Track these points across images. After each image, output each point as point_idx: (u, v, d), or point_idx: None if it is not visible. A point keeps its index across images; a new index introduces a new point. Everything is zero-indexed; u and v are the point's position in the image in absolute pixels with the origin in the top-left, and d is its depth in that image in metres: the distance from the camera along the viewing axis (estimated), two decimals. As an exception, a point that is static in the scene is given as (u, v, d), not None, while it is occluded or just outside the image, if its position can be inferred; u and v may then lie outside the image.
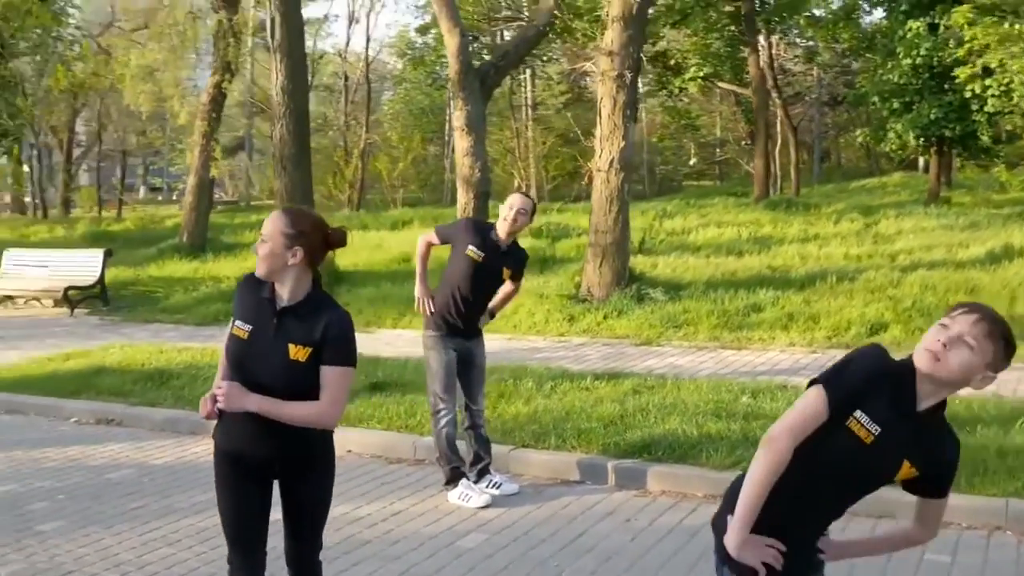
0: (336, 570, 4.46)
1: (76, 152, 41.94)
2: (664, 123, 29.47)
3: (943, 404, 2.40)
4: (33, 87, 28.47)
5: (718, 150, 38.64)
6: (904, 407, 2.33)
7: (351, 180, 24.50)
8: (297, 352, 3.07)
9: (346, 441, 6.61)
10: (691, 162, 36.06)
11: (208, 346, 10.14)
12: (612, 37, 10.80)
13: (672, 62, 23.04)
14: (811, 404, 2.32)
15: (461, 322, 5.39)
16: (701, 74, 22.28)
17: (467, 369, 5.53)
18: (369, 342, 10.39)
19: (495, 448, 5.99)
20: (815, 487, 2.38)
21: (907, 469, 2.38)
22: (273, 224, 3.10)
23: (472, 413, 5.54)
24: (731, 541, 2.30)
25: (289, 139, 13.00)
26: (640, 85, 33.18)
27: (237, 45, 17.31)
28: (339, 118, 30.20)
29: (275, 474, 3.26)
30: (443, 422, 5.41)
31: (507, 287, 5.69)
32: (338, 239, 3.15)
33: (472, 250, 5.31)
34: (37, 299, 14.54)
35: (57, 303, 14.03)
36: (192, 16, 17.80)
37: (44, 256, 15.18)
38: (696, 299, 10.85)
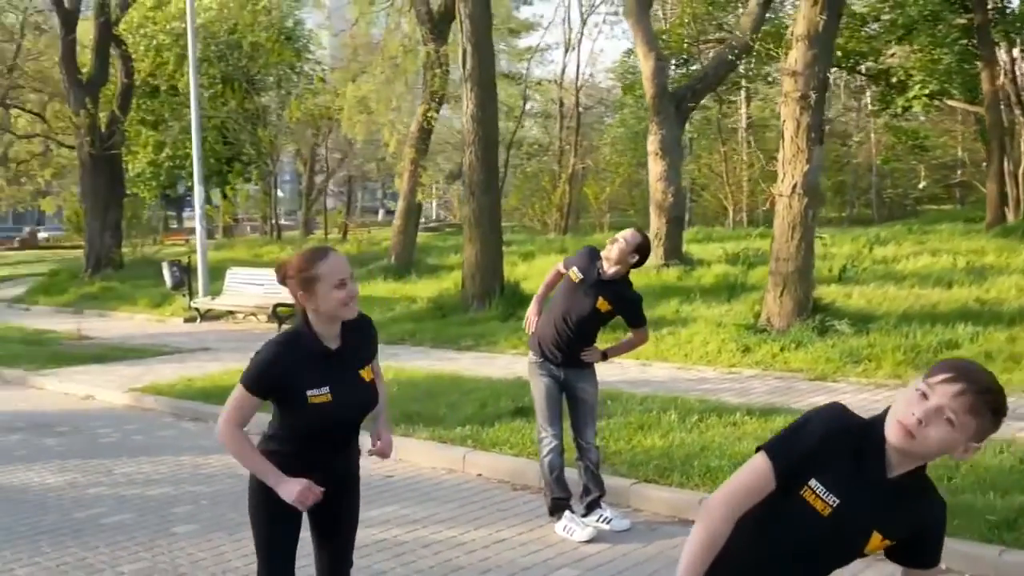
0: (416, 594, 4.50)
1: (320, 178, 45.14)
2: (889, 144, 27.75)
3: (923, 465, 2.10)
4: (275, 119, 30.94)
5: (959, 171, 35.95)
6: (870, 475, 2.05)
7: (559, 204, 24.81)
8: (368, 373, 3.28)
9: (477, 465, 6.71)
10: (920, 185, 33.75)
11: (385, 364, 10.56)
12: (796, 56, 10.33)
13: (894, 80, 21.69)
14: (754, 474, 2.06)
15: (556, 350, 5.30)
16: (926, 91, 20.84)
17: (572, 403, 5.43)
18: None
19: (617, 481, 5.89)
20: (772, 562, 2.13)
21: (878, 541, 2.09)
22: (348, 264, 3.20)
23: (579, 447, 5.43)
24: None
25: (478, 165, 13.36)
26: (868, 103, 31.59)
27: (444, 76, 18.00)
28: (554, 144, 30.69)
29: None
30: (545, 451, 5.34)
31: (630, 336, 5.55)
32: None
33: (574, 271, 5.25)
34: (254, 314, 15.72)
35: (269, 318, 15.09)
36: (404, 48, 18.69)
37: (260, 275, 16.37)
38: (885, 332, 10.13)
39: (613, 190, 23.69)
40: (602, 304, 5.18)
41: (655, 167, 15.63)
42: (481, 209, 13.40)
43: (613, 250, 5.14)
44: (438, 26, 17.90)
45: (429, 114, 18.08)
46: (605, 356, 5.46)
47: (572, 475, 5.53)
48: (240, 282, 16.23)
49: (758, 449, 2.12)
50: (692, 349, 10.59)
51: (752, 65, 25.29)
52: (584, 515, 5.37)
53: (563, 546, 5.17)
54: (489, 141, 13.50)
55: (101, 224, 22.25)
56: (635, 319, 5.36)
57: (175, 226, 54.18)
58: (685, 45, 23.78)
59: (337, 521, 3.40)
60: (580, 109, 27.56)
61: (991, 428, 2.00)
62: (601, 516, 5.37)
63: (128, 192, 39.68)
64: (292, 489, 3.06)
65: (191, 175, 36.86)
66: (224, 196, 31.42)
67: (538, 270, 17.03)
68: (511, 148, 27.27)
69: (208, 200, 33.27)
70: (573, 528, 5.25)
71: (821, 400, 8.12)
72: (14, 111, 37.26)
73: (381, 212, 61.33)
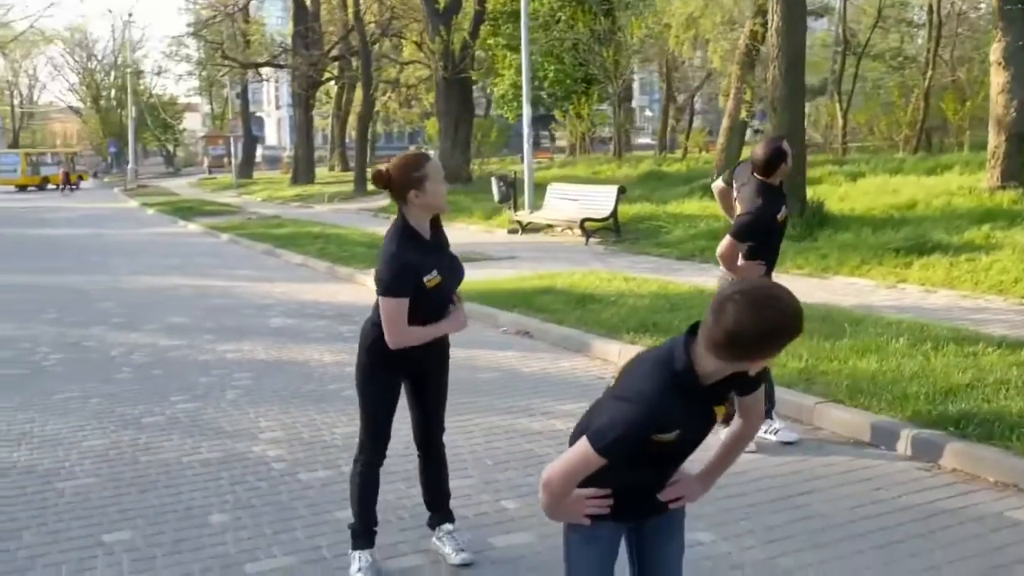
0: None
1: (682, 97, 45.32)
2: None
3: None
4: (626, 38, 31.46)
5: None
6: (695, 400, 2.28)
7: (910, 121, 22.99)
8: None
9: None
10: None
11: (657, 278, 10.91)
12: None
13: None
14: (589, 461, 2.26)
15: (767, 273, 5.46)
16: None
17: None
18: (810, 289, 10.14)
19: (803, 399, 5.90)
20: (632, 475, 2.39)
21: (720, 411, 2.35)
22: None
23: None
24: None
25: (780, 81, 12.98)
26: None
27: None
28: (920, 55, 28.27)
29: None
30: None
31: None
32: None
33: (781, 216, 5.31)
34: (569, 228, 16.59)
35: (582, 232, 15.86)
36: (733, -38, 18.27)
37: (576, 190, 17.18)
38: None
39: (975, 104, 21.40)
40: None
41: (997, 78, 14.14)
42: (782, 126, 13.02)
43: (784, 170, 5.27)
44: (768, -64, 17.23)
45: (755, 30, 17.62)
46: None
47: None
48: (558, 197, 17.15)
49: (588, 438, 2.26)
50: (988, 276, 9.79)
51: None
52: (751, 426, 5.48)
53: (718, 452, 5.32)
54: (794, 57, 13.01)
55: (452, 142, 24.32)
56: None
57: (546, 144, 56.67)
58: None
59: (434, 390, 3.95)
60: (945, 15, 25.04)
61: None
62: (770, 427, 5.46)
63: (493, 113, 42.49)
64: (456, 322, 3.73)
65: (550, 95, 38.57)
66: (576, 115, 32.66)
67: (861, 191, 16.21)
68: (861, 59, 25.55)
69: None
70: (735, 437, 5.39)
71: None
72: (403, 40, 41.23)
73: (748, 132, 59.93)
